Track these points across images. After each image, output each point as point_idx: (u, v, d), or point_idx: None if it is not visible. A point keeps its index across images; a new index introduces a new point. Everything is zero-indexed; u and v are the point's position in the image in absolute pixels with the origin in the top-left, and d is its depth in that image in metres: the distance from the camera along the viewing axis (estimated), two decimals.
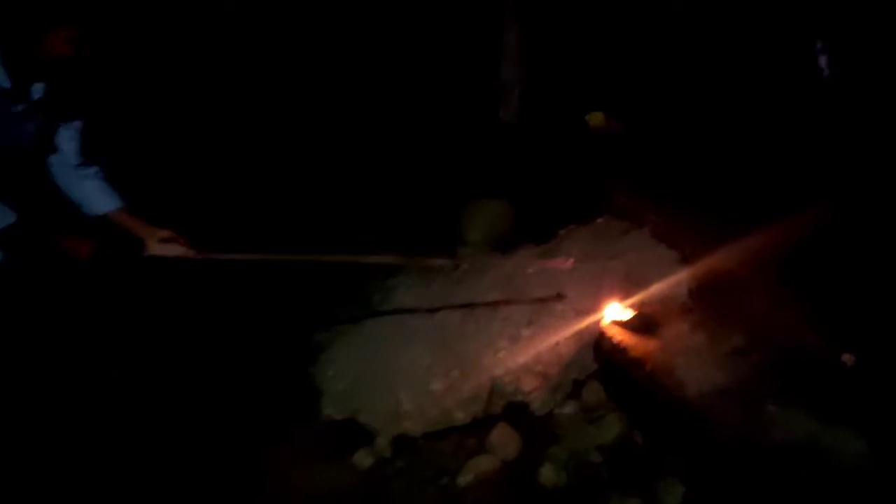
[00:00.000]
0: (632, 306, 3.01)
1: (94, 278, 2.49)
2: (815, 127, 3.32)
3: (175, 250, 2.47)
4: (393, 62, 5.19)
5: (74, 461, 2.62)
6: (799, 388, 2.37)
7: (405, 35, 5.16)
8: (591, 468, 2.69)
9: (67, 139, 2.35)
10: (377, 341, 3.29)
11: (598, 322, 3.00)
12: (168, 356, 3.11)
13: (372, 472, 2.77)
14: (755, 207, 3.08)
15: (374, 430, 2.89)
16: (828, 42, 3.30)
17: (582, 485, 2.63)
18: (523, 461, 2.75)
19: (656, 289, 3.05)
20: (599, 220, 3.84)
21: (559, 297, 3.19)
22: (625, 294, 3.07)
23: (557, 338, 3.00)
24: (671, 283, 3.08)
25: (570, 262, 3.08)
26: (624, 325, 2.93)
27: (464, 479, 2.70)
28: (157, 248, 2.45)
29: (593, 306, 3.08)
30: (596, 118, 4.73)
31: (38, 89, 2.17)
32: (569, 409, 2.95)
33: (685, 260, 3.23)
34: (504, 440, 2.82)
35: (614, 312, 2.99)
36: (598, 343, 2.96)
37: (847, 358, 2.43)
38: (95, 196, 2.43)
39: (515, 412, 2.92)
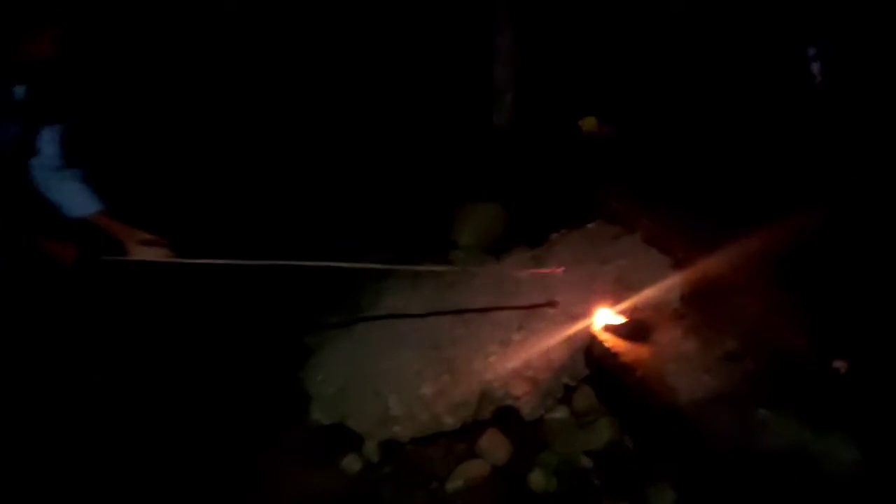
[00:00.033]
0: (623, 311, 2.99)
1: (79, 283, 2.45)
2: (807, 132, 3.32)
3: (155, 254, 2.46)
4: (388, 65, 5.18)
5: (56, 464, 2.59)
6: (791, 394, 2.36)
7: (399, 38, 5.14)
8: (582, 474, 2.68)
9: (49, 141, 2.33)
10: (367, 345, 3.27)
11: (589, 327, 2.98)
12: (156, 359, 3.08)
13: (360, 478, 2.76)
14: (748, 212, 3.07)
15: (363, 434, 2.88)
16: (820, 47, 3.30)
17: (572, 490, 2.63)
18: (513, 467, 2.74)
19: (648, 294, 3.04)
20: (591, 225, 3.84)
21: (551, 304, 3.18)
22: (616, 299, 3.06)
23: (548, 342, 2.99)
24: (663, 288, 3.07)
25: (560, 270, 3.09)
26: (615, 330, 2.91)
27: (453, 484, 2.69)
28: (137, 251, 2.44)
29: (585, 311, 3.06)
30: (589, 123, 4.73)
31: (20, 91, 2.15)
32: (559, 414, 2.93)
33: (677, 265, 3.22)
34: (494, 445, 2.80)
35: (606, 317, 2.98)
36: (590, 348, 2.94)
37: (839, 364, 2.42)
38: (75, 198, 2.41)
39: (506, 417, 2.90)
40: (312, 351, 3.37)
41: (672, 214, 3.45)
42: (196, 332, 3.19)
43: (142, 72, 4.31)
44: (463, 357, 3.03)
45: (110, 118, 3.80)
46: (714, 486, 2.31)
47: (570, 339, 2.99)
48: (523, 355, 2.97)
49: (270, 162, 4.56)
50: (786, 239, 2.82)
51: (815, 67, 3.40)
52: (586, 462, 2.71)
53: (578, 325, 3.01)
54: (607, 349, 2.82)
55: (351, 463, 2.80)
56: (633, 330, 2.88)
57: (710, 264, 3.02)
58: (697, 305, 2.97)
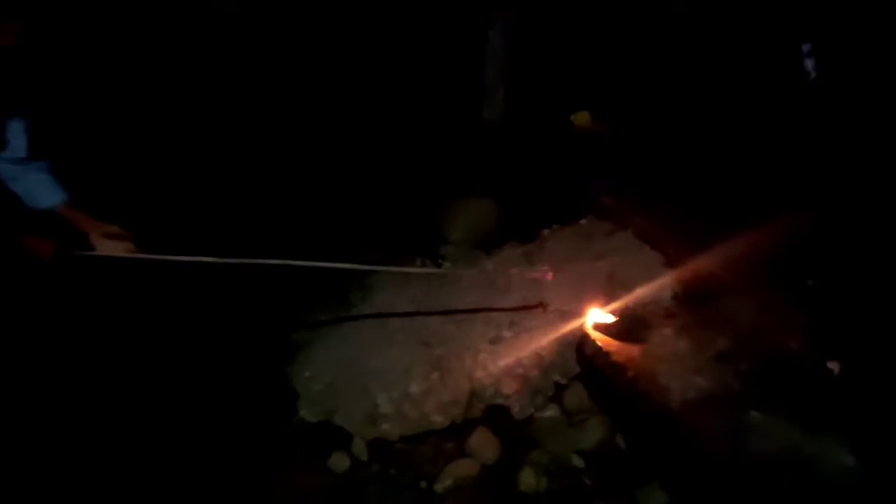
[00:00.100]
0: (615, 309, 2.97)
1: (59, 278, 2.42)
2: (801, 131, 3.31)
3: (118, 248, 2.45)
4: (379, 59, 5.14)
5: (36, 465, 2.55)
6: (783, 395, 2.35)
7: (390, 32, 5.10)
8: (573, 473, 2.67)
9: (17, 133, 2.29)
10: (355, 342, 3.23)
11: (580, 325, 2.96)
12: (142, 357, 3.03)
13: (348, 476, 2.74)
14: (741, 211, 3.05)
15: (351, 432, 2.85)
16: (815, 45, 3.29)
17: (563, 490, 2.62)
18: (503, 466, 2.72)
19: (640, 292, 3.01)
20: (583, 221, 3.81)
21: (542, 305, 3.15)
22: (608, 297, 3.04)
23: (539, 340, 2.98)
24: (655, 286, 3.04)
25: (550, 275, 3.06)
26: (607, 328, 2.89)
27: (442, 483, 2.67)
28: (100, 243, 2.43)
29: (576, 309, 3.04)
30: (581, 118, 4.69)
31: None
32: (550, 412, 2.91)
33: (669, 263, 3.20)
34: (483, 444, 2.78)
35: (597, 315, 2.96)
36: (581, 347, 2.92)
37: (832, 365, 2.41)
38: (39, 189, 2.38)
39: (495, 416, 2.88)
40: (300, 347, 3.32)
41: (665, 212, 3.44)
42: (182, 329, 3.15)
43: (141, 71, 4.26)
44: (453, 355, 3.01)
45: (79, 110, 3.73)
46: (705, 486, 2.30)
47: (561, 336, 2.97)
48: (514, 353, 2.96)
49: (259, 157, 4.52)
50: (779, 238, 2.80)
51: (809, 64, 3.38)
52: (577, 461, 2.70)
53: (570, 323, 2.99)
54: (599, 348, 2.80)
55: (338, 461, 2.77)
56: (625, 329, 2.86)
57: (702, 263, 3.00)
58: (690, 304, 2.96)
